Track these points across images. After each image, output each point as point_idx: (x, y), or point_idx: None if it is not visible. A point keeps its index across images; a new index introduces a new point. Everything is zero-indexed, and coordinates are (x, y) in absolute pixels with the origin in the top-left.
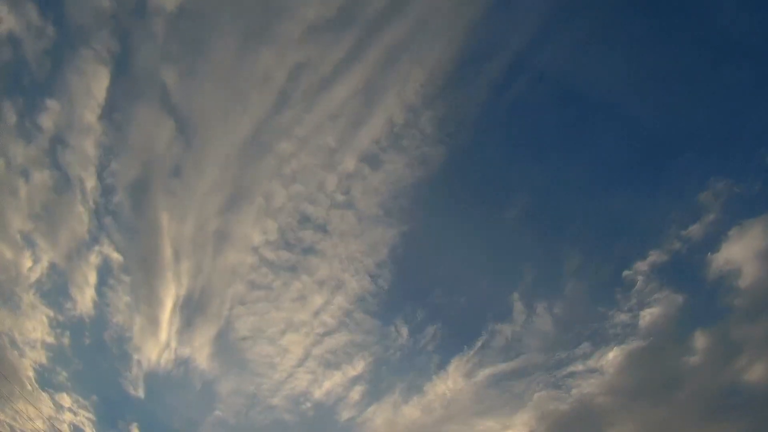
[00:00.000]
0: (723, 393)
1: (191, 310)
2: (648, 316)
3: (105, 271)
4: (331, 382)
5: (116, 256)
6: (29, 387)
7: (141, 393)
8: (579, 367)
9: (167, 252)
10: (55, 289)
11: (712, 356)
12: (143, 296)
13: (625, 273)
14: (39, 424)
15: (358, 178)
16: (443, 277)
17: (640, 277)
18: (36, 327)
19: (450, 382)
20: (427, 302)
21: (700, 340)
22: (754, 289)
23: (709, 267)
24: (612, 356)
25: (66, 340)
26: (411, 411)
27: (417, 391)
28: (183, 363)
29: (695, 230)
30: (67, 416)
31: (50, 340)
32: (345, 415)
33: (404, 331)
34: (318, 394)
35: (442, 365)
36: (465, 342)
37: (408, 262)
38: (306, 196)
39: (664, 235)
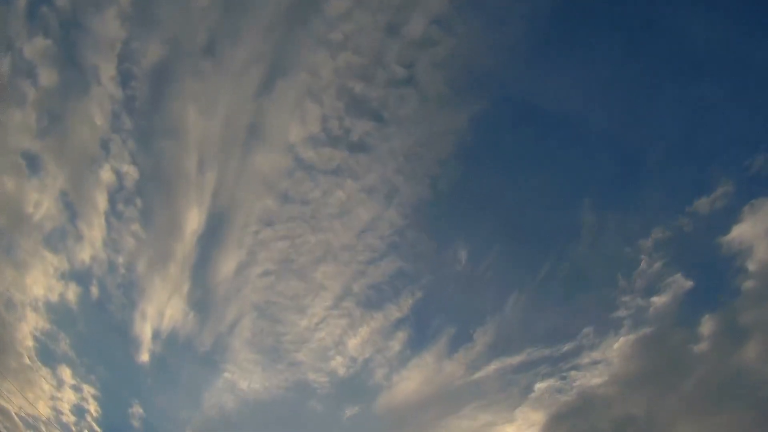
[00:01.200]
0: (731, 380)
1: (209, 239)
2: (654, 300)
3: (116, 193)
4: (368, 328)
5: (130, 170)
6: (27, 361)
7: (146, 357)
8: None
9: (191, 158)
10: (61, 228)
11: (719, 342)
12: (158, 225)
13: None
14: (41, 406)
15: (426, 44)
16: (517, 175)
17: (643, 257)
18: (38, 281)
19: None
20: (495, 212)
21: (707, 326)
22: (764, 271)
23: (719, 248)
24: (617, 345)
25: (71, 295)
26: (455, 367)
27: (467, 340)
28: (196, 305)
29: (702, 208)
30: (69, 394)
31: (53, 297)
32: (380, 372)
33: (463, 254)
34: (352, 344)
35: (501, 299)
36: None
37: (478, 155)
38: (358, 69)
39: (670, 213)
